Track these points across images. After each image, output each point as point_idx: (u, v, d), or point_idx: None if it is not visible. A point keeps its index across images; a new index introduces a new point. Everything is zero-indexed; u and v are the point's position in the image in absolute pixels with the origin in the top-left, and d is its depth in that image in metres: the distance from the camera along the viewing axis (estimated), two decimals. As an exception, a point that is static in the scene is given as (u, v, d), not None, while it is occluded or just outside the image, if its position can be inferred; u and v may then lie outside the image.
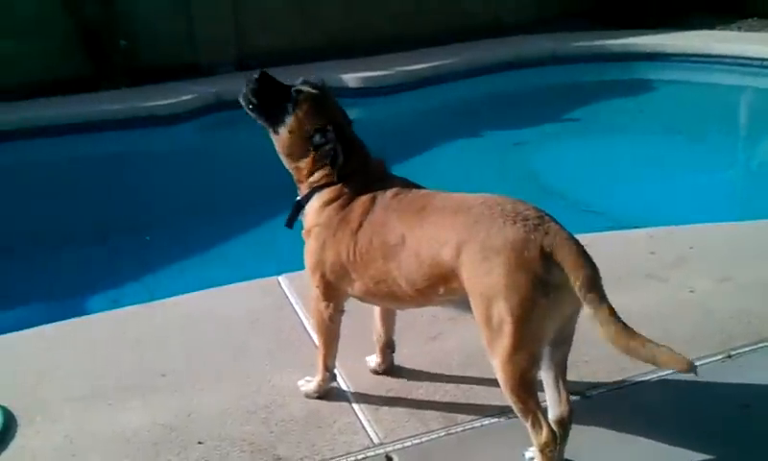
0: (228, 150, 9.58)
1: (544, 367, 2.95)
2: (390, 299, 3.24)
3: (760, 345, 3.87)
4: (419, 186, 3.29)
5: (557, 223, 2.81)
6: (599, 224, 6.40)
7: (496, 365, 2.82)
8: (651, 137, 9.52)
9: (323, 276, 3.32)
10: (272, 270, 4.83)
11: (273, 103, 3.33)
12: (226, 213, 7.53)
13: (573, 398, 3.35)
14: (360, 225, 3.19)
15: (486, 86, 11.41)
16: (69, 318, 4.57)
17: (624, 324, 2.69)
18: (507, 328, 2.73)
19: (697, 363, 3.65)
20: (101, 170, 8.97)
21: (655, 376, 3.63)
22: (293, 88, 3.32)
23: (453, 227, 2.92)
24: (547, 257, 2.69)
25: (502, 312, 2.74)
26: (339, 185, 3.28)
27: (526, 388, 2.81)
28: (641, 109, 10.79)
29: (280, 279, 4.71)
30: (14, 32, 10.59)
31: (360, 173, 3.31)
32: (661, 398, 3.51)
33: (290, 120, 3.30)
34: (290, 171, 3.43)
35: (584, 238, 5.08)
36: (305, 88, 3.32)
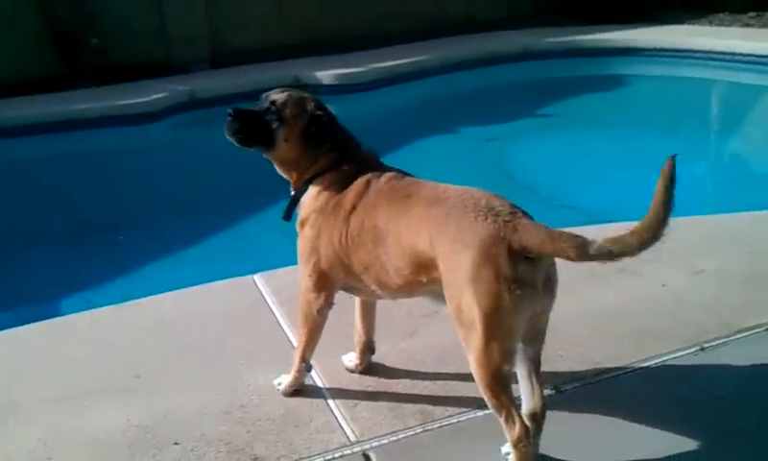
0: (201, 148, 9.52)
1: (518, 361, 2.97)
2: (379, 286, 3.24)
3: (733, 337, 3.91)
4: (411, 176, 3.31)
5: (529, 219, 2.82)
6: (573, 218, 6.41)
7: (470, 360, 2.84)
8: (624, 132, 9.59)
9: (316, 264, 3.33)
10: (247, 269, 4.81)
11: (257, 127, 3.33)
12: (200, 212, 7.49)
13: (548, 392, 3.38)
14: (354, 207, 3.21)
15: (459, 83, 11.43)
16: (42, 319, 4.52)
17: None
18: (477, 324, 2.75)
19: (671, 356, 3.75)
20: (73, 169, 8.88)
21: (630, 370, 3.66)
22: (268, 102, 3.34)
23: (427, 218, 2.96)
24: (514, 254, 2.71)
25: (471, 307, 2.76)
26: (334, 172, 3.31)
27: (499, 383, 2.82)
28: (614, 103, 10.84)
29: (256, 277, 4.69)
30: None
31: (353, 161, 3.34)
32: (636, 391, 3.54)
33: (281, 130, 3.31)
34: (288, 177, 3.45)
35: (558, 233, 5.10)
36: (277, 95, 3.35)
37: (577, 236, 2.68)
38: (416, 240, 2.97)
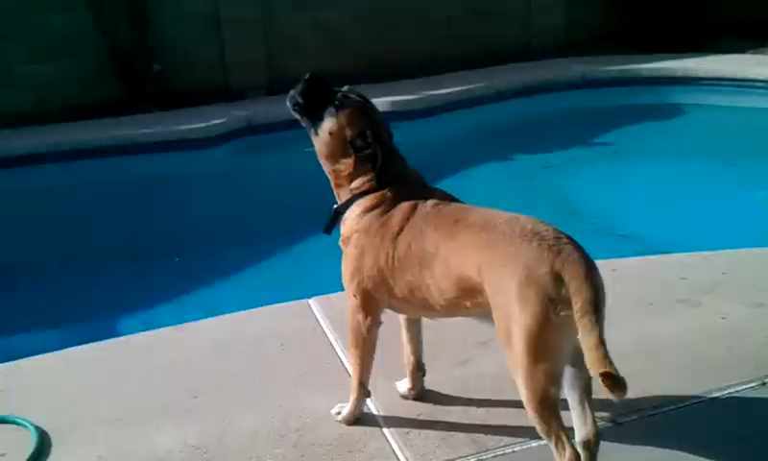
0: (258, 173, 9.64)
1: (569, 388, 2.96)
2: (423, 307, 3.26)
3: (795, 372, 3.82)
4: (455, 198, 3.35)
5: (574, 244, 2.83)
6: (630, 248, 6.35)
7: (518, 382, 2.85)
8: (682, 162, 9.44)
9: (360, 283, 3.35)
10: (302, 293, 4.84)
11: (317, 104, 3.41)
12: (256, 236, 7.55)
13: (606, 425, 3.34)
14: (401, 230, 3.23)
15: (515, 110, 11.38)
16: (101, 340, 4.61)
17: (607, 354, 2.63)
18: (522, 345, 2.76)
19: (730, 390, 3.68)
20: (133, 193, 9.04)
21: (689, 403, 3.60)
22: (339, 93, 3.42)
23: (476, 244, 2.98)
24: (558, 276, 2.71)
25: (517, 328, 2.76)
26: (380, 193, 3.34)
27: (547, 406, 2.81)
28: (673, 133, 10.71)
29: (311, 301, 4.72)
30: (50, 55, 10.76)
31: (400, 182, 3.37)
32: (694, 425, 3.48)
33: (332, 122, 3.38)
34: (328, 175, 3.49)
35: (614, 263, 5.08)
36: (352, 96, 3.44)
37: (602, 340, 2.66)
38: (463, 265, 2.99)
